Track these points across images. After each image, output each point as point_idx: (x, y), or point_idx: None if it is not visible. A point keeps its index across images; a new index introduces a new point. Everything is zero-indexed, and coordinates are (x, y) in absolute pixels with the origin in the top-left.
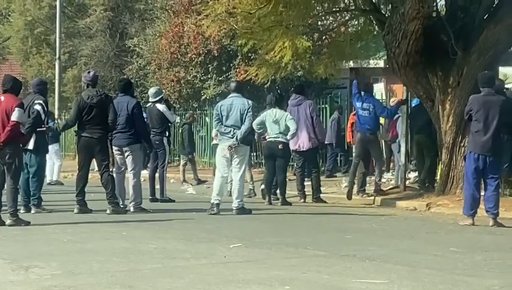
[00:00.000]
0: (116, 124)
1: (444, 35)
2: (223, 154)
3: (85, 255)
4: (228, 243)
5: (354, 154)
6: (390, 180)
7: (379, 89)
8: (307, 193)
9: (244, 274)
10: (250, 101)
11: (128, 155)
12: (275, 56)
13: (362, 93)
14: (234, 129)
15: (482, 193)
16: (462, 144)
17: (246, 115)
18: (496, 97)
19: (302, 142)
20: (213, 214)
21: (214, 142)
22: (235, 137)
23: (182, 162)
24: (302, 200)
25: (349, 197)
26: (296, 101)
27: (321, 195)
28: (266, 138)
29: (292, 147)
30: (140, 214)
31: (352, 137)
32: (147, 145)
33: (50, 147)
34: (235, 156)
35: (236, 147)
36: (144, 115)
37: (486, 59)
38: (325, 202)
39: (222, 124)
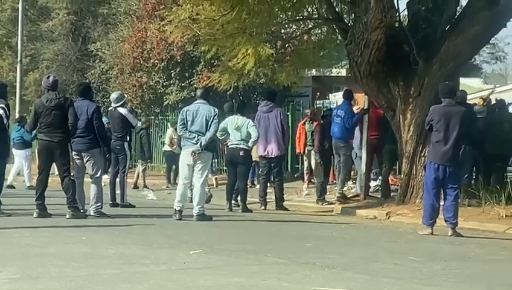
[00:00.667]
0: (76, 128)
1: (406, 45)
2: (186, 160)
3: (44, 260)
4: (188, 250)
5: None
6: (351, 189)
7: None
8: (268, 201)
9: (203, 281)
10: (216, 109)
11: (88, 160)
12: (238, 63)
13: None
14: (198, 135)
15: (442, 203)
16: (422, 154)
17: (212, 122)
18: (457, 108)
19: (271, 149)
20: (177, 220)
21: (166, 148)
22: (199, 143)
23: (141, 167)
24: (263, 207)
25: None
26: (266, 108)
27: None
28: (228, 144)
29: (260, 153)
30: (101, 219)
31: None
32: (105, 149)
33: (22, 151)
34: (198, 162)
35: (199, 153)
36: (105, 119)
37: (447, 70)
38: (287, 209)
39: (186, 129)
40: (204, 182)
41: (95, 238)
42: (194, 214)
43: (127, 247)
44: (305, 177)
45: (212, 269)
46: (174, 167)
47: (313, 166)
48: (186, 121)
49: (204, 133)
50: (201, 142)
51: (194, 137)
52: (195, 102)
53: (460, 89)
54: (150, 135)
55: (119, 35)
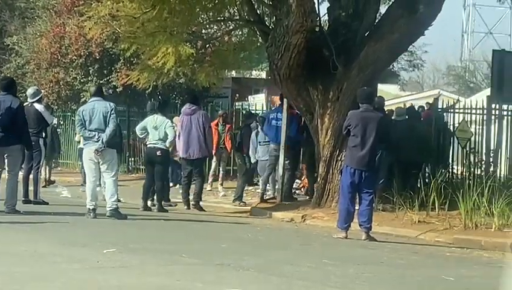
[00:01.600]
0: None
1: (326, 50)
2: (90, 158)
3: None
4: (102, 248)
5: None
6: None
7: (260, 100)
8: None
9: (117, 280)
10: (112, 104)
11: (8, 156)
12: (158, 62)
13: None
14: (99, 133)
15: (357, 207)
16: (339, 158)
17: (110, 117)
18: (374, 113)
19: (192, 151)
20: (91, 218)
21: (81, 145)
22: (100, 140)
23: (53, 164)
24: (186, 207)
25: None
26: (190, 110)
27: (201, 203)
28: (147, 143)
29: (182, 154)
30: (13, 216)
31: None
32: (26, 146)
33: None
34: (103, 160)
35: (102, 151)
36: None
37: (366, 75)
38: (204, 210)
39: (86, 128)
40: (115, 178)
41: (7, 236)
42: (108, 209)
43: (39, 245)
44: (210, 179)
45: (125, 268)
46: None
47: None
48: (84, 121)
49: (104, 130)
50: (102, 139)
51: (95, 135)
52: (90, 100)
53: (378, 95)
54: (65, 131)
55: (37, 29)
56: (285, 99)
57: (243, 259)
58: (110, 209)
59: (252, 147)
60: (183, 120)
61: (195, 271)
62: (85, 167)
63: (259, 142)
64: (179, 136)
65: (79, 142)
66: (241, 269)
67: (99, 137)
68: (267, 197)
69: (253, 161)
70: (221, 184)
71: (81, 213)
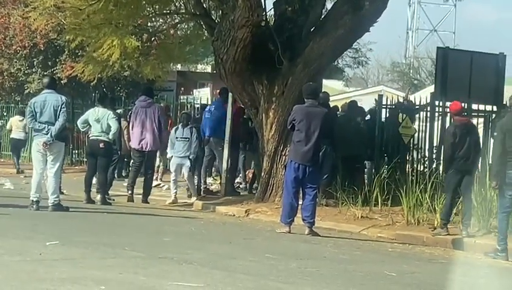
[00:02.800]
0: None
1: (271, 44)
2: (38, 149)
3: None
4: (44, 241)
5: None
6: (211, 185)
7: (205, 94)
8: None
9: (59, 273)
10: (64, 97)
11: None
12: (103, 54)
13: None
14: (48, 126)
15: (300, 202)
16: (283, 153)
17: (60, 111)
18: (319, 109)
19: (145, 142)
20: (34, 210)
21: (13, 135)
22: (49, 133)
23: None
24: (130, 192)
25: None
26: (145, 103)
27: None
28: (89, 136)
29: (134, 145)
30: None
31: None
32: None
33: None
34: (50, 152)
35: (51, 144)
36: None
37: (311, 70)
38: (148, 203)
39: (36, 120)
40: (58, 172)
41: None
42: (49, 204)
43: None
44: (159, 174)
45: (68, 261)
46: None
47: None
48: (35, 113)
49: (54, 123)
50: (51, 132)
51: (44, 128)
52: (43, 92)
53: (323, 90)
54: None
55: None
56: (230, 94)
57: (186, 253)
58: (52, 205)
59: (170, 142)
60: (138, 112)
61: (138, 264)
62: (33, 159)
63: (177, 137)
64: (132, 127)
65: (10, 130)
66: (184, 262)
67: (48, 130)
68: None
69: (169, 156)
70: (161, 178)
71: (24, 205)
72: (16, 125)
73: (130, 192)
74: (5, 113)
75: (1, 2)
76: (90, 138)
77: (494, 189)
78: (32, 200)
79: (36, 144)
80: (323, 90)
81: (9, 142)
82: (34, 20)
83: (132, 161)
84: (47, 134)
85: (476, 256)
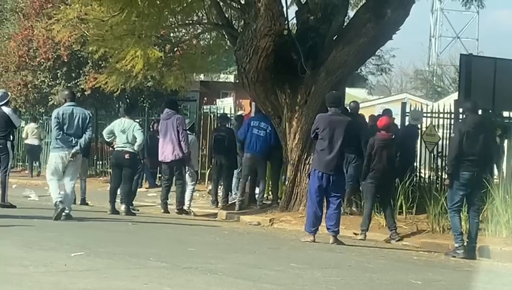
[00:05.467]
0: None
1: (294, 53)
2: (61, 161)
3: None
4: (69, 252)
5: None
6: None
7: (228, 103)
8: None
9: (84, 284)
10: (89, 112)
11: None
12: (126, 65)
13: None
14: (75, 138)
15: (325, 211)
16: (307, 162)
17: (88, 124)
18: (343, 117)
19: (167, 153)
20: (60, 212)
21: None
22: (78, 145)
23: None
24: (163, 210)
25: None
26: (166, 114)
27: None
28: (114, 147)
29: (159, 157)
30: None
31: None
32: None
33: None
34: (73, 164)
35: (77, 155)
36: None
37: (333, 79)
38: (188, 213)
39: (63, 131)
40: (74, 184)
41: None
42: (64, 214)
43: (5, 248)
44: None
45: (93, 271)
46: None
47: None
48: (63, 124)
49: (80, 136)
50: (80, 144)
51: (72, 140)
52: (67, 104)
53: (346, 98)
54: None
55: (5, 32)
56: (253, 104)
57: (211, 262)
58: (65, 215)
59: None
60: (161, 125)
61: (162, 275)
62: (50, 169)
63: None
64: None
65: (25, 138)
66: (208, 272)
67: (76, 142)
68: (233, 201)
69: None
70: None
71: (48, 216)
72: (31, 132)
73: (162, 211)
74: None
75: (25, 15)
76: (116, 149)
77: None
78: (56, 202)
79: (59, 155)
80: (352, 100)
81: (24, 149)
82: (58, 32)
83: (162, 175)
84: (75, 145)
85: (502, 264)
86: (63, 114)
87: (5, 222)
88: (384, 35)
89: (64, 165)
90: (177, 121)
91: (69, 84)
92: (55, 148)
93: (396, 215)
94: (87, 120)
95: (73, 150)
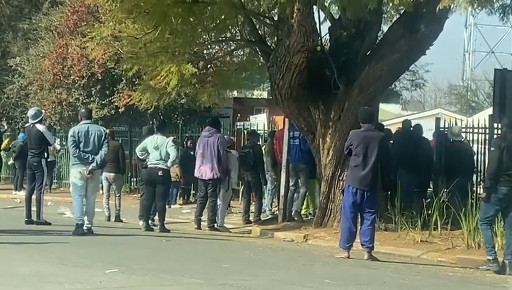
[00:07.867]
0: None
1: (327, 69)
2: (80, 177)
3: None
4: (104, 268)
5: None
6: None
7: (261, 120)
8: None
9: None
10: (104, 129)
11: None
12: (160, 82)
13: None
14: (91, 155)
15: (359, 227)
16: (341, 178)
17: (104, 141)
18: (376, 133)
19: (204, 171)
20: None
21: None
22: (95, 162)
23: None
24: (196, 226)
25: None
26: (208, 133)
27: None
28: (148, 164)
29: (196, 174)
30: (16, 236)
31: None
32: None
33: None
34: (93, 180)
35: (94, 171)
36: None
37: (367, 95)
38: (218, 230)
39: (79, 149)
40: (95, 199)
41: (10, 256)
42: (84, 228)
43: (41, 265)
44: None
45: (127, 288)
46: None
47: None
48: (79, 142)
49: (97, 153)
50: (97, 161)
51: (88, 157)
52: (83, 122)
53: (380, 114)
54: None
55: (40, 50)
56: (286, 120)
57: (245, 279)
58: (87, 229)
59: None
60: (200, 142)
61: None
62: (72, 186)
63: None
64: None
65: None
66: (243, 288)
67: (93, 159)
68: (267, 217)
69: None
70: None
71: (82, 233)
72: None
73: (196, 227)
74: (64, 143)
75: (59, 33)
76: (149, 166)
77: None
78: (77, 224)
79: (79, 172)
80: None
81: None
82: (92, 50)
83: (198, 192)
84: (91, 162)
85: None
86: (78, 132)
87: (40, 239)
88: (418, 50)
89: (85, 181)
90: (218, 140)
91: (103, 102)
92: (73, 165)
93: (432, 230)
94: (103, 137)
95: (90, 167)
